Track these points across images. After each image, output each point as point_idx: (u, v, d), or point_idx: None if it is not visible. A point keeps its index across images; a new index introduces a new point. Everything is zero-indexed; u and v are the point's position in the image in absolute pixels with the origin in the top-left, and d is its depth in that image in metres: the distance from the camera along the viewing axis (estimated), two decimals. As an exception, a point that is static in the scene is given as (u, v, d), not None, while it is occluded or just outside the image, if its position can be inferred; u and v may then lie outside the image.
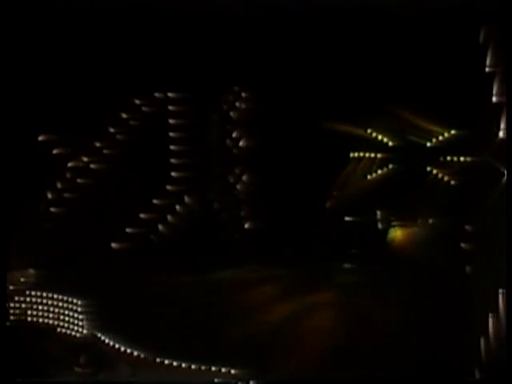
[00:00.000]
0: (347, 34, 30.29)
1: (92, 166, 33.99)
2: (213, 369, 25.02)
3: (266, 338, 26.16)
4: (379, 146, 31.99)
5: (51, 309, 29.63)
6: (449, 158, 31.08)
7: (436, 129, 31.21)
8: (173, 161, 33.92)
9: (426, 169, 31.27)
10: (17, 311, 29.97)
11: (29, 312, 29.94)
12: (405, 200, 30.99)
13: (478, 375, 23.55)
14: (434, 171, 31.17)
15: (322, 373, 23.96)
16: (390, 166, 31.96)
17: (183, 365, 25.47)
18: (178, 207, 34.11)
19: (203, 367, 25.16)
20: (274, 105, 32.36)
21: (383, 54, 30.31)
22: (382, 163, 32.02)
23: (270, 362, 24.81)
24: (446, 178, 31.06)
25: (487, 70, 28.31)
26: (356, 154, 32.27)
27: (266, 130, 32.85)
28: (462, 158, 30.93)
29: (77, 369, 26.55)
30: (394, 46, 30.03)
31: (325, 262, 30.97)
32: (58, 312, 29.46)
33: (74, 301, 29.28)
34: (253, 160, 33.34)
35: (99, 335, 27.83)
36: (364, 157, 32.22)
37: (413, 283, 28.36)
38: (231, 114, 33.70)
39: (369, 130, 31.91)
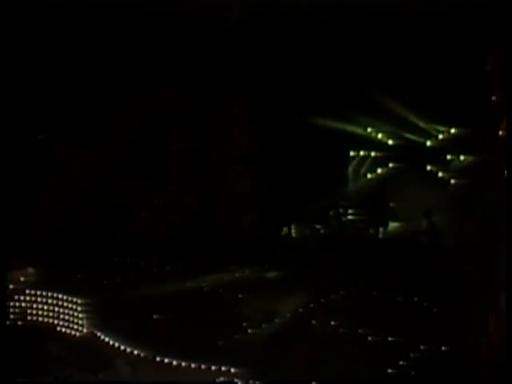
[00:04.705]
0: (346, 33, 30.31)
1: (92, 164, 34.01)
2: (213, 368, 25.03)
3: (265, 337, 26.21)
4: (379, 145, 32.03)
5: (51, 308, 29.64)
6: (449, 157, 31.11)
7: (436, 127, 31.23)
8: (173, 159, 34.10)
9: (425, 168, 31.31)
10: (17, 310, 29.99)
11: (29, 311, 29.95)
12: (404, 199, 31.02)
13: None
14: (434, 170, 31.18)
15: (323, 373, 23.95)
16: (390, 165, 32.01)
17: (183, 364, 25.47)
18: (178, 206, 34.20)
19: (203, 367, 25.16)
20: (272, 104, 32.38)
21: (383, 53, 30.32)
22: (382, 162, 32.08)
23: (269, 362, 24.82)
24: (446, 177, 31.07)
25: (487, 68, 28.33)
26: (355, 153, 32.28)
27: (265, 130, 32.89)
28: (462, 157, 30.95)
29: (77, 368, 26.56)
30: (395, 45, 30.03)
31: (324, 262, 31.00)
32: (59, 311, 29.47)
33: (74, 300, 29.31)
34: (252, 160, 33.38)
35: (99, 334, 27.86)
36: (363, 156, 32.24)
37: (412, 283, 28.44)
38: (230, 113, 33.72)
39: (368, 129, 31.93)
